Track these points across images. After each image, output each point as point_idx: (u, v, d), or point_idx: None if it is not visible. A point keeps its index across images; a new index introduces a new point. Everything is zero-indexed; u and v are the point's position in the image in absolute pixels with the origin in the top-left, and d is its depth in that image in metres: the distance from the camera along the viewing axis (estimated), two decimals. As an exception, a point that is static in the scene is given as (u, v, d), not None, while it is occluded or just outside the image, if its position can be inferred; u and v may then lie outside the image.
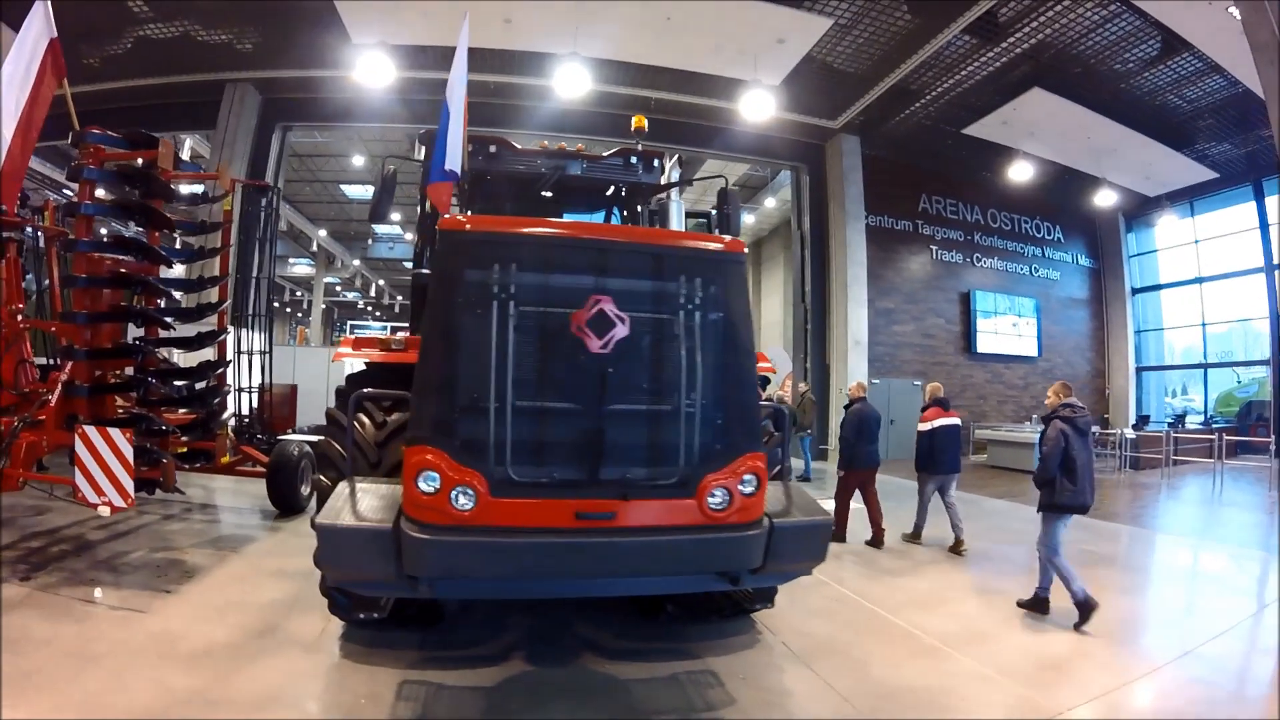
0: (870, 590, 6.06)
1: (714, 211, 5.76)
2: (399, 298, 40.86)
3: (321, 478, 4.24)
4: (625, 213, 6.22)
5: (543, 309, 3.03)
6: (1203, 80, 13.35)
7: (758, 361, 3.74)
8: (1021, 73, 13.61)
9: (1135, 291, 20.31)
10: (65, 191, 13.79)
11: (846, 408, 8.35)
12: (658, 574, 3.30)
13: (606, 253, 3.18)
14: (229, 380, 7.89)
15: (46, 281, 7.23)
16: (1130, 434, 16.05)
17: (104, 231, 6.48)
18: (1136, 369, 20.11)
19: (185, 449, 7.14)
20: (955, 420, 7.81)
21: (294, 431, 10.15)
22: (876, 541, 7.64)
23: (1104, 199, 17.76)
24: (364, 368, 4.72)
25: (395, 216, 27.97)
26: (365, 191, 24.62)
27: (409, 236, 31.03)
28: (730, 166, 18.04)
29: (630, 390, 3.09)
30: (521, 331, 2.99)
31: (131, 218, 6.56)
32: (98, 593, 5.14)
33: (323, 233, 28.10)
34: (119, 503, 5.14)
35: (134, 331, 6.67)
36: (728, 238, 3.78)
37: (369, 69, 11.83)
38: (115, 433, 5.13)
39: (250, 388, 8.14)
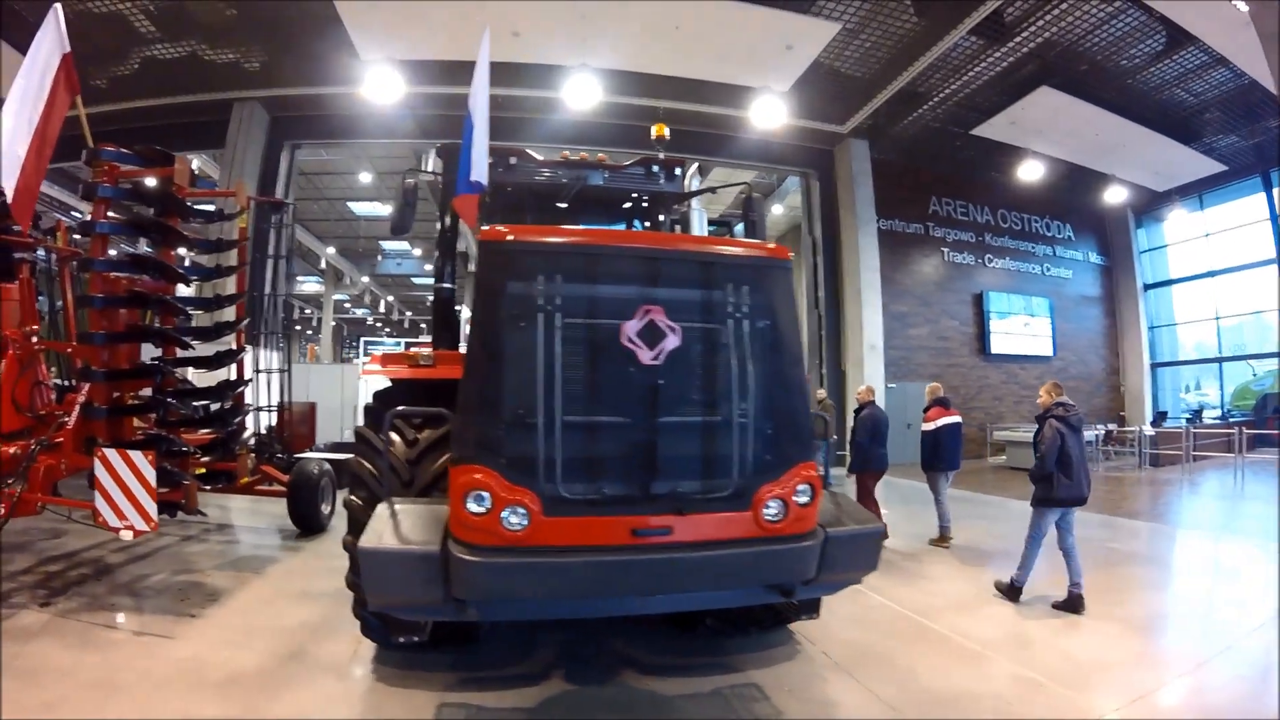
0: (903, 595, 5.95)
1: (740, 220, 5.69)
2: (408, 313, 40.89)
3: (353, 498, 4.14)
4: (647, 222, 6.15)
5: (591, 320, 2.94)
6: (1208, 73, 13.30)
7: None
8: (1028, 72, 13.57)
9: (1147, 287, 20.18)
10: (74, 214, 13.77)
11: (857, 413, 8.38)
12: (713, 589, 3.21)
13: (655, 261, 3.09)
14: (247, 399, 7.79)
15: (60, 303, 7.17)
16: (1149, 431, 15.87)
17: (114, 252, 6.35)
18: (1151, 365, 19.93)
19: (204, 469, 7.03)
20: (958, 418, 8.04)
21: (313, 450, 10.05)
22: None
23: (1113, 195, 17.68)
24: (389, 385, 4.65)
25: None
26: (372, 208, 24.64)
27: (417, 252, 31.11)
28: (736, 174, 18.00)
29: (682, 402, 3.01)
30: (570, 344, 2.89)
31: (147, 236, 6.47)
32: (120, 618, 5.04)
33: (331, 250, 28.12)
34: (141, 526, 5.04)
35: (149, 351, 6.59)
36: (772, 244, 3.71)
37: (377, 85, 11.83)
38: (136, 455, 5.03)
39: (269, 406, 8.04)
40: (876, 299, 16.20)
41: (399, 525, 3.01)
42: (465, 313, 6.47)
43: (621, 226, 6.34)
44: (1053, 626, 5.27)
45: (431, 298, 5.92)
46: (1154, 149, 15.88)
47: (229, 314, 7.53)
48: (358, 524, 4.01)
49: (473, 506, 2.79)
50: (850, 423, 8.95)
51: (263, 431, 8.35)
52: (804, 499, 3.11)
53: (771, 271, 3.27)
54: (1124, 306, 20.17)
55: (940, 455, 7.85)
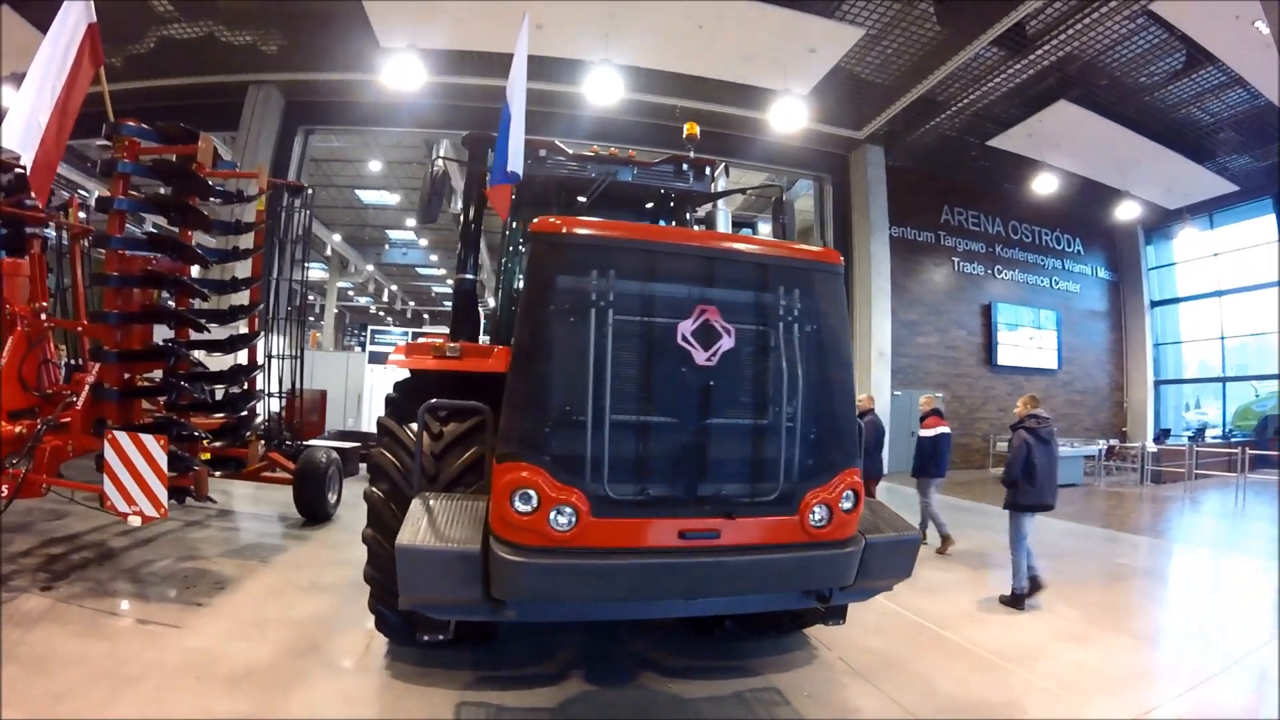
0: (916, 603, 5.89)
1: (754, 220, 5.64)
2: (411, 303, 40.71)
3: (374, 490, 4.06)
4: (674, 220, 6.09)
5: (646, 318, 2.89)
6: (1225, 93, 13.28)
7: None
8: (1048, 85, 13.53)
9: (1154, 304, 20.15)
10: (81, 192, 13.60)
11: (860, 418, 8.44)
12: (757, 593, 3.23)
13: (711, 261, 3.05)
14: (258, 385, 7.68)
15: (69, 281, 7.05)
16: (1152, 447, 15.84)
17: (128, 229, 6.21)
18: (1155, 382, 19.90)
19: (209, 455, 6.91)
20: (949, 428, 8.41)
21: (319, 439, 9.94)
22: None
23: (1126, 211, 17.63)
24: (409, 376, 4.57)
25: (410, 222, 28.03)
26: (380, 197, 24.50)
27: (423, 242, 30.98)
28: (748, 175, 17.92)
29: (733, 404, 2.99)
30: (623, 341, 2.84)
31: (166, 215, 6.32)
32: (125, 605, 4.94)
33: (337, 237, 27.94)
34: (151, 512, 4.92)
35: (161, 333, 6.47)
36: (822, 248, 3.65)
37: (397, 73, 11.68)
38: (148, 439, 4.92)
39: (280, 393, 7.92)
40: (886, 306, 16.15)
41: (435, 522, 2.92)
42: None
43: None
44: (1065, 638, 5.34)
45: (452, 288, 5.83)
46: (1168, 166, 15.84)
47: (242, 298, 7.39)
48: (379, 517, 3.97)
49: (520, 505, 2.72)
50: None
51: (269, 418, 8.21)
52: (848, 505, 3.12)
53: (825, 276, 3.25)
54: (1130, 322, 20.15)
55: (937, 463, 8.07)
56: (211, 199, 6.44)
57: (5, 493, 5.03)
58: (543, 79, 12.98)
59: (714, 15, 11.28)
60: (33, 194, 5.01)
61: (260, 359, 7.59)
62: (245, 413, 7.09)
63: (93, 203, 8.00)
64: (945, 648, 5.01)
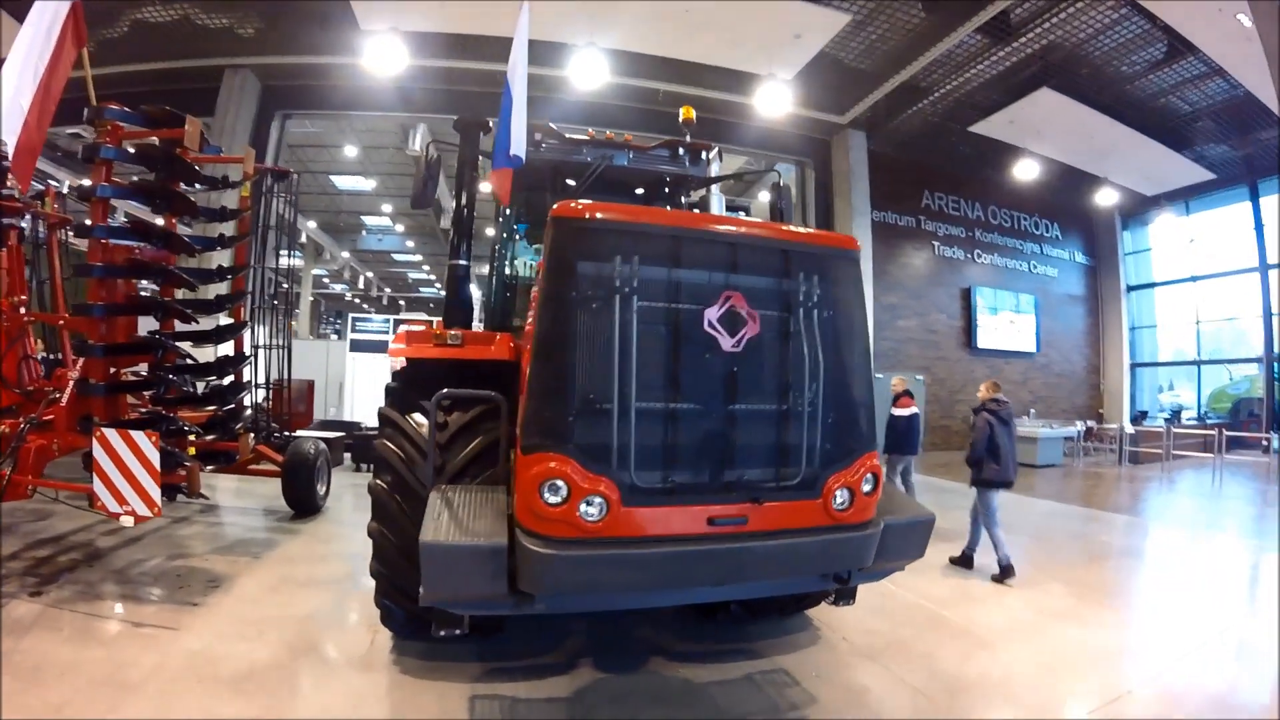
0: (911, 583, 5.95)
1: (770, 207, 5.63)
2: (387, 290, 40.18)
3: (378, 482, 3.99)
4: (669, 204, 6.05)
5: (673, 304, 2.87)
6: (1205, 83, 13.48)
7: None
8: (1030, 73, 13.62)
9: (1130, 289, 20.52)
10: (50, 181, 13.13)
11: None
12: (782, 577, 3.27)
13: (735, 247, 3.03)
14: (245, 375, 7.48)
15: (47, 273, 6.79)
16: (1130, 429, 16.18)
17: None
18: (1131, 365, 20.31)
19: (195, 450, 6.72)
20: (918, 409, 8.81)
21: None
22: None
23: (1104, 198, 17.92)
24: (405, 364, 4.49)
25: (386, 208, 27.60)
26: (355, 183, 24.07)
27: (399, 228, 30.52)
28: (728, 160, 17.84)
29: (758, 389, 2.99)
30: (649, 327, 2.82)
31: (151, 202, 6.11)
32: (118, 608, 4.81)
33: (312, 224, 27.41)
34: (144, 512, 4.77)
35: (145, 325, 6.27)
36: (840, 234, 3.64)
37: (378, 56, 11.42)
38: (139, 436, 4.76)
39: (267, 383, 7.73)
40: (868, 290, 16.20)
41: (457, 517, 2.87)
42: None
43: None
44: (1058, 615, 5.43)
45: (445, 274, 5.73)
46: (1146, 154, 16.09)
47: (225, 287, 7.19)
48: (385, 510, 3.90)
49: (549, 497, 2.68)
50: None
51: (256, 410, 8.03)
52: (868, 488, 3.17)
53: (844, 262, 3.27)
54: (1107, 307, 20.52)
55: (910, 440, 8.38)
56: (197, 185, 6.21)
57: (-10, 495, 4.86)
58: (529, 63, 12.77)
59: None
60: (11, 181, 4.79)
61: (247, 349, 7.39)
62: (234, 405, 6.90)
63: (65, 191, 7.73)
64: (945, 627, 5.11)
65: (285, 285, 8.16)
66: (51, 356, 6.72)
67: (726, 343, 2.87)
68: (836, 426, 3.11)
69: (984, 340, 18.25)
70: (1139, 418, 18.44)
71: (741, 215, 6.31)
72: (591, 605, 3.43)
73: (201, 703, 3.56)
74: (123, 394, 5.92)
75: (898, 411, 8.38)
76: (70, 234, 6.86)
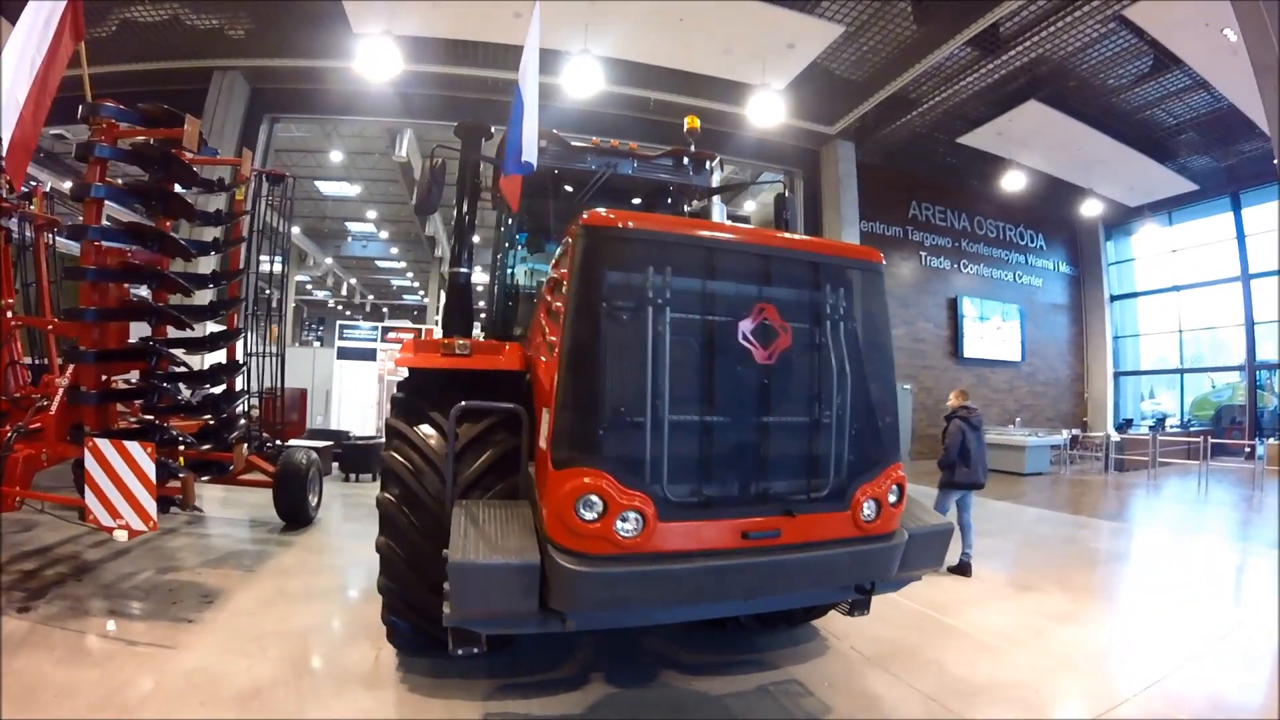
0: (915, 591, 5.89)
1: (775, 218, 5.62)
2: (370, 297, 39.82)
3: (386, 495, 3.88)
4: (672, 214, 6.01)
5: (708, 316, 2.85)
6: (1190, 96, 13.76)
7: None
8: (1019, 85, 13.81)
9: (1113, 298, 20.84)
10: (32, 182, 12.82)
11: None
12: (812, 589, 3.28)
13: (767, 258, 3.03)
14: (238, 384, 7.30)
15: (34, 276, 6.60)
16: (1116, 436, 16.37)
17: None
18: (1115, 373, 20.59)
19: (195, 459, 6.55)
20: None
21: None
22: None
23: (1089, 209, 18.19)
24: (407, 374, 4.42)
25: (371, 214, 27.37)
26: (340, 189, 23.85)
27: (384, 235, 30.30)
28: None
29: (789, 402, 2.98)
30: (685, 339, 2.78)
31: (147, 204, 5.91)
32: (111, 625, 4.64)
33: (296, 229, 27.06)
34: (138, 526, 4.61)
35: (137, 331, 6.08)
36: (864, 246, 3.66)
37: (371, 60, 11.28)
38: (133, 446, 4.61)
39: (259, 392, 7.56)
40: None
41: (484, 533, 2.78)
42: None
43: None
44: (1058, 618, 5.50)
45: (446, 281, 5.65)
46: (1131, 165, 16.39)
47: (216, 293, 7.00)
48: (393, 524, 3.80)
49: (585, 513, 2.61)
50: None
51: (249, 419, 7.85)
52: (894, 499, 3.18)
53: (869, 274, 3.28)
54: (1090, 316, 20.83)
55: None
56: (194, 187, 6.04)
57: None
58: (517, 68, 12.72)
59: (696, 8, 11.19)
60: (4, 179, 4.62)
61: (240, 357, 7.21)
62: (227, 414, 6.72)
63: (48, 190, 7.52)
64: (949, 633, 5.14)
65: (277, 292, 7.99)
66: (38, 362, 6.51)
67: (760, 355, 2.86)
68: (864, 438, 3.11)
69: (970, 349, 18.43)
70: (1124, 425, 18.69)
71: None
72: (621, 622, 3.37)
73: (204, 724, 3.43)
74: (114, 402, 5.73)
75: None
76: (56, 236, 6.66)
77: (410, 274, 37.27)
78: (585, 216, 2.91)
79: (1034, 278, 20.12)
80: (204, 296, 7.31)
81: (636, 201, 6.10)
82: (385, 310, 42.50)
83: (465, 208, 5.41)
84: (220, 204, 7.11)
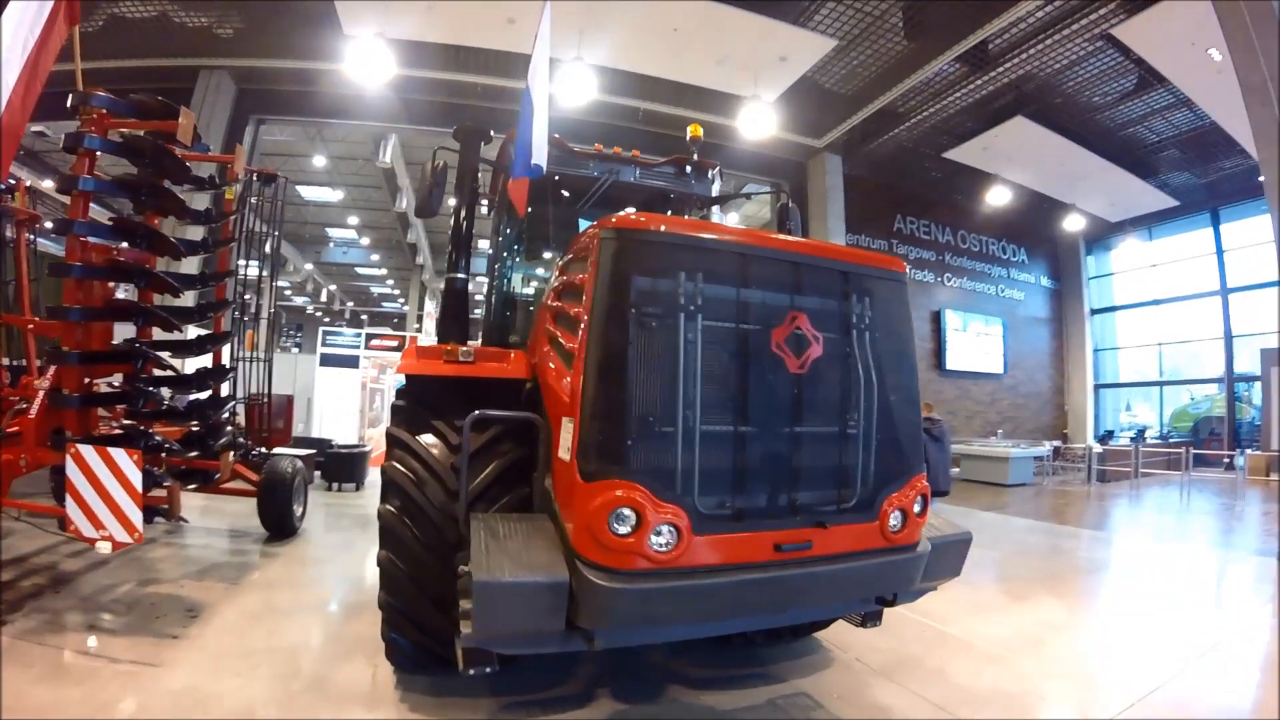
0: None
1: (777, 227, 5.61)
2: (349, 303, 39.35)
3: (387, 507, 3.74)
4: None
5: (741, 325, 2.79)
6: (1172, 114, 14.05)
7: None
8: (1005, 101, 14.00)
9: (1094, 312, 21.18)
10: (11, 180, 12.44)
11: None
12: (841, 601, 3.24)
13: (799, 266, 2.97)
14: (224, 390, 7.07)
15: (13, 273, 6.33)
16: (1098, 448, 16.58)
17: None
18: (1094, 386, 20.88)
19: (179, 467, 6.33)
20: None
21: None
22: None
23: (1072, 224, 18.46)
24: (405, 381, 4.30)
25: (353, 220, 27.04)
26: (323, 193, 23.53)
27: (365, 241, 29.95)
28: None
29: (820, 412, 2.93)
30: (718, 348, 2.72)
31: (137, 199, 5.66)
32: (92, 641, 4.41)
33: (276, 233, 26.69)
34: (123, 538, 4.39)
35: (121, 332, 5.86)
36: (887, 256, 3.63)
37: (363, 62, 11.10)
38: (120, 454, 4.40)
39: (245, 398, 7.34)
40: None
41: (507, 549, 2.66)
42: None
43: None
44: (1055, 627, 5.55)
45: (442, 287, 5.53)
46: (1113, 181, 16.67)
47: (199, 295, 6.78)
48: (395, 537, 3.67)
49: (619, 527, 2.51)
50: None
51: (235, 426, 7.63)
52: (919, 509, 3.16)
53: (894, 284, 3.27)
54: (1071, 329, 21.15)
55: None
56: (186, 183, 5.83)
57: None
58: (511, 75, 12.65)
59: (690, 18, 11.19)
60: None
61: (228, 362, 6.98)
62: (214, 420, 6.49)
63: (29, 185, 7.26)
64: (950, 643, 5.13)
65: (258, 297, 7.78)
66: (15, 364, 6.24)
67: (792, 364, 2.81)
68: (891, 448, 3.08)
69: (953, 362, 18.58)
70: (1106, 437, 18.95)
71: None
72: (649, 638, 3.28)
73: (196, 748, 3.26)
74: (101, 406, 5.50)
75: None
76: (36, 234, 6.41)
77: (391, 281, 36.90)
78: (614, 219, 2.82)
79: (1016, 291, 20.39)
80: (188, 298, 7.11)
81: (631, 210, 6.03)
82: (364, 317, 42.06)
83: (464, 213, 5.31)
84: (205, 202, 6.85)
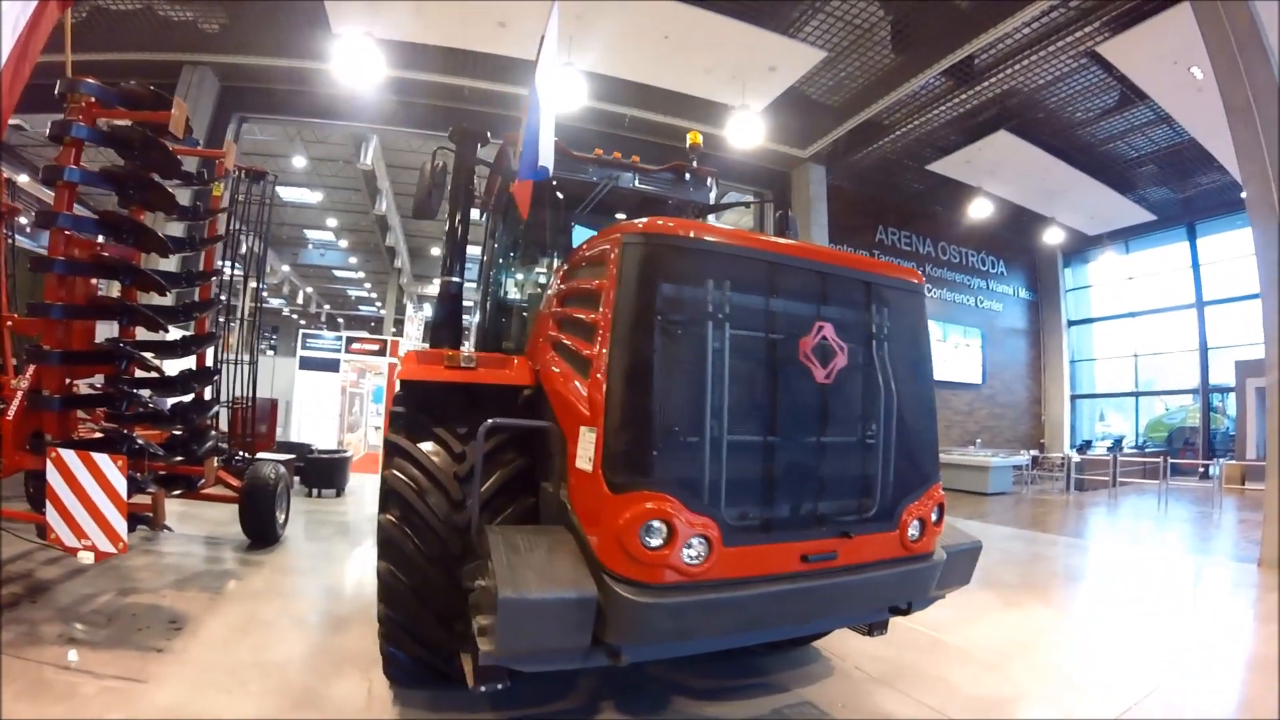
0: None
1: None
2: (326, 306, 38.83)
3: (388, 517, 3.62)
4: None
5: (770, 334, 2.77)
6: (1152, 130, 14.37)
7: None
8: (990, 115, 14.20)
9: (1071, 324, 21.54)
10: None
11: None
12: (862, 610, 3.21)
13: (825, 276, 2.97)
14: (208, 393, 6.85)
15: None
16: (1076, 457, 16.83)
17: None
18: (1071, 396, 21.23)
19: (162, 472, 6.11)
20: None
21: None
22: None
23: (1051, 237, 18.79)
24: (400, 387, 4.20)
25: (332, 222, 26.69)
26: (301, 194, 23.22)
27: (343, 244, 29.60)
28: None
29: (845, 421, 2.93)
30: (746, 356, 2.69)
31: (123, 192, 5.40)
32: (72, 655, 4.23)
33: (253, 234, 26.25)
34: (106, 548, 4.21)
35: (102, 331, 5.65)
36: (905, 266, 3.66)
37: (351, 62, 10.93)
38: (104, 460, 4.23)
39: (230, 402, 7.13)
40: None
41: (530, 563, 2.57)
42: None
43: None
44: (1048, 633, 5.65)
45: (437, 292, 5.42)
46: (1092, 195, 17.02)
47: (195, 294, 6.56)
48: (396, 548, 3.55)
49: (650, 540, 2.45)
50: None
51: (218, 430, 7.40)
52: (935, 517, 3.18)
53: (913, 294, 3.31)
54: (1048, 340, 21.51)
55: None
56: (176, 177, 5.63)
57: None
58: (504, 80, 12.56)
59: (681, 26, 11.19)
60: None
61: (212, 364, 6.77)
62: (197, 425, 6.28)
63: (6, 179, 6.99)
64: (946, 650, 5.15)
65: (235, 300, 7.57)
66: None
67: (819, 374, 2.81)
68: (910, 457, 3.09)
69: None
70: (1084, 446, 19.27)
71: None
72: (674, 652, 3.22)
73: (189, 769, 3.12)
74: (75, 409, 5.28)
75: None
76: (14, 227, 6.17)
77: (368, 284, 36.50)
78: (640, 224, 2.77)
79: (995, 303, 20.70)
80: (168, 297, 6.88)
81: (620, 216, 5.99)
82: (341, 320, 41.53)
83: (459, 216, 5.23)
84: (187, 198, 6.65)
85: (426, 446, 3.78)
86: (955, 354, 19.35)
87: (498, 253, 5.69)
